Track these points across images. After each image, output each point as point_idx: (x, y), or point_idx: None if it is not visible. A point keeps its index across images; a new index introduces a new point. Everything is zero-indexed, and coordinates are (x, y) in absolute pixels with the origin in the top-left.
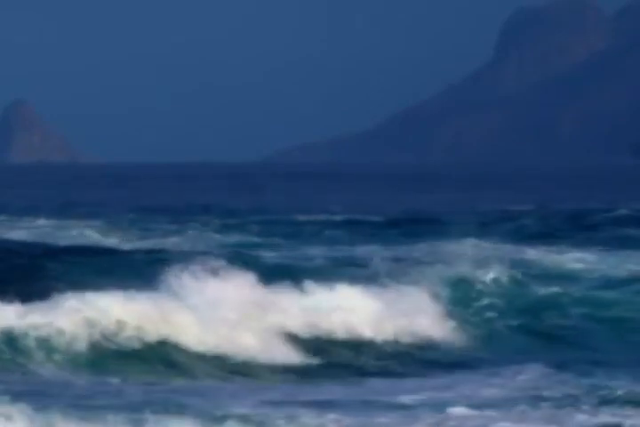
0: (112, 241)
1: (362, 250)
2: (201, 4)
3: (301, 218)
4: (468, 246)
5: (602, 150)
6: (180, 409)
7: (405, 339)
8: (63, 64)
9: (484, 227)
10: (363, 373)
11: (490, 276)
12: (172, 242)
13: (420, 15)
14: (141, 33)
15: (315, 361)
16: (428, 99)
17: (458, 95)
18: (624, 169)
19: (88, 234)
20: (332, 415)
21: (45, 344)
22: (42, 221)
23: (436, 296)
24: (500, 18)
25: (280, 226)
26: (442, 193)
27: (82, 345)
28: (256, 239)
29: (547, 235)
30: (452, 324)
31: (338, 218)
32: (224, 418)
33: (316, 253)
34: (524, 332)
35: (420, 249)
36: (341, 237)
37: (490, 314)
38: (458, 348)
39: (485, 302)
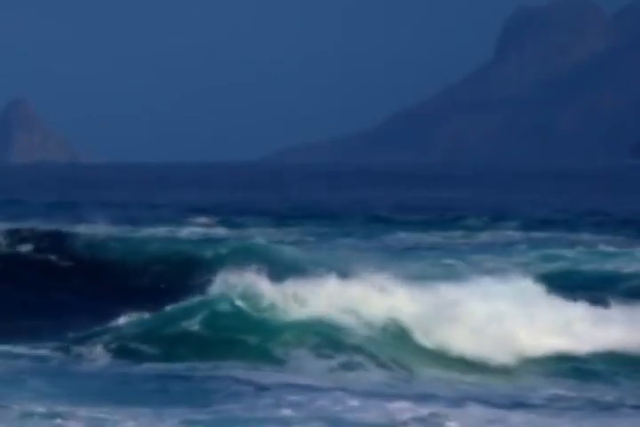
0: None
1: None
2: (201, 6)
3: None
4: None
5: (602, 150)
6: None
7: None
8: (63, 64)
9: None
10: None
11: None
12: None
13: (420, 16)
14: (141, 34)
15: None
16: (428, 99)
17: (458, 95)
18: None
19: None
20: None
21: None
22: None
23: None
24: (500, 18)
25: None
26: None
27: None
28: None
29: None
30: None
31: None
32: None
33: None
34: None
35: None
36: None
37: None
38: None
39: None
